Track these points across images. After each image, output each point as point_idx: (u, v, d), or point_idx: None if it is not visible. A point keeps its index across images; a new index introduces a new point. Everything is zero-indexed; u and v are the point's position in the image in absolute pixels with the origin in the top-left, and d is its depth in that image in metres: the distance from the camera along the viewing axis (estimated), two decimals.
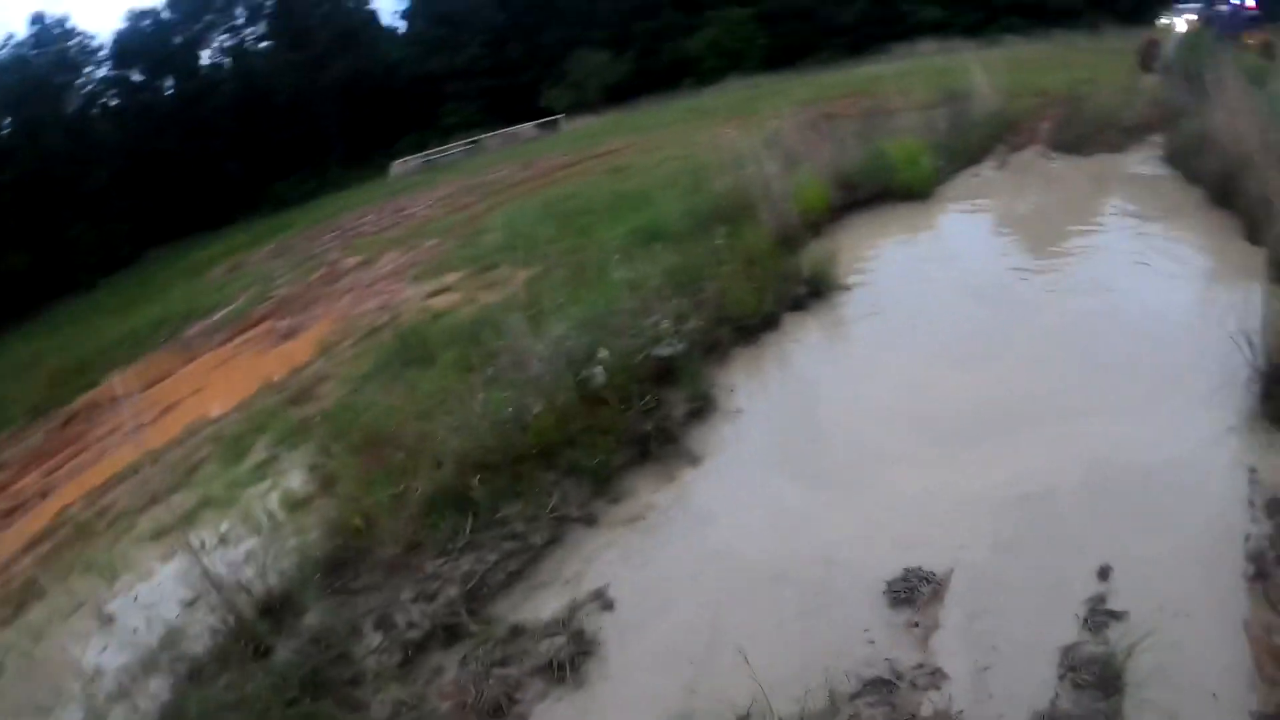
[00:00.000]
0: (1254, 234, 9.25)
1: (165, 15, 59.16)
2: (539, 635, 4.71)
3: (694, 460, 6.35)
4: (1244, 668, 3.72)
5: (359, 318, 13.44)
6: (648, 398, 6.51)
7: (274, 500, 7.27)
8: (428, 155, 46.43)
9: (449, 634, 4.82)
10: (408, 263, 16.59)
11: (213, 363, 14.91)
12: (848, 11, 48.65)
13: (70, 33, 55.93)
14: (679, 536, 5.50)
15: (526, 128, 48.28)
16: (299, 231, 32.56)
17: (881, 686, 3.94)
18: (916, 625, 4.25)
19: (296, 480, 7.65)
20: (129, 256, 46.78)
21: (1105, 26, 42.43)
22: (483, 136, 47.49)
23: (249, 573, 5.61)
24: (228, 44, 61.31)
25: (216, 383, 13.06)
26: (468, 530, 5.43)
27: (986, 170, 15.33)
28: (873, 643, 4.21)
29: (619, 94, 50.44)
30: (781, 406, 7.03)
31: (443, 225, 20.37)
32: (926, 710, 3.81)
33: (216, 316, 19.61)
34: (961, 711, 3.76)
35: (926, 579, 4.49)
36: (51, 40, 54.50)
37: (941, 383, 6.78)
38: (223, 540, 6.92)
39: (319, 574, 5.36)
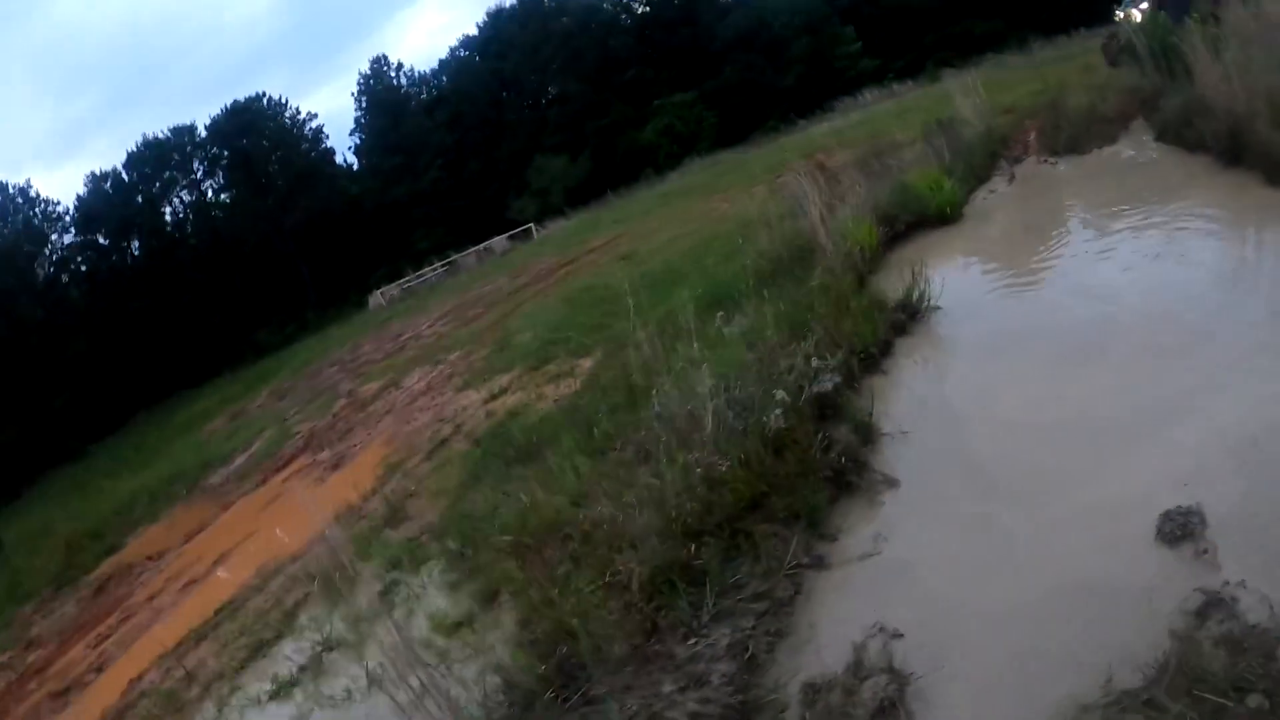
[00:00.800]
0: (1272, 179, 9.74)
1: (125, 176, 59.38)
2: (848, 686, 4.17)
3: (891, 483, 5.98)
4: None
5: (415, 434, 12.94)
6: (820, 435, 6.14)
7: (421, 628, 6.49)
8: (405, 283, 46.41)
9: (740, 713, 4.23)
10: (441, 377, 16.12)
11: (257, 505, 14.22)
12: (788, 76, 49.65)
13: (33, 200, 55.87)
14: (915, 556, 5.13)
15: (499, 241, 48.46)
16: (291, 373, 32.17)
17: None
18: None
19: (440, 601, 6.93)
20: (117, 420, 46.11)
21: (1033, 44, 43.56)
22: (457, 256, 47.63)
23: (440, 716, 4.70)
24: (189, 198, 61.60)
25: (272, 523, 12.31)
26: (711, 603, 4.84)
27: (999, 185, 15.34)
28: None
29: (582, 194, 51.04)
30: (937, 423, 6.73)
31: (460, 338, 19.96)
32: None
33: (238, 462, 18.99)
34: None
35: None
36: (14, 209, 54.33)
37: (1068, 384, 6.52)
38: (374, 682, 5.93)
39: (543, 693, 4.64)
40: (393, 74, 66.01)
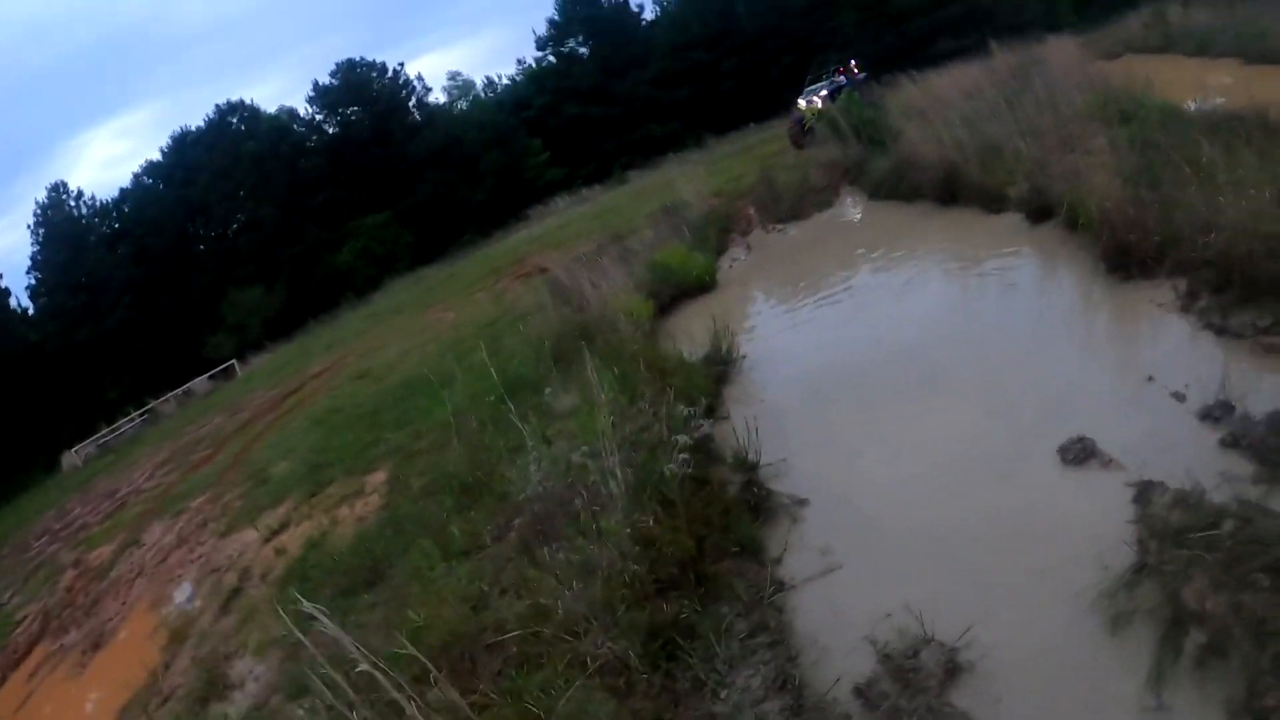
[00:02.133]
0: (991, 207, 12.38)
1: None
2: (898, 669, 4.27)
3: (801, 502, 6.17)
4: None
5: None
6: (716, 475, 6.33)
7: None
8: (100, 438, 41.08)
9: None
10: (191, 525, 14.12)
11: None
12: (480, 190, 49.76)
13: None
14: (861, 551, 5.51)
15: (200, 382, 44.27)
16: None
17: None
18: None
19: None
20: None
21: (707, 141, 46.51)
22: (155, 403, 42.96)
23: None
24: None
25: None
26: (721, 651, 4.53)
27: (739, 254, 15.91)
28: None
29: (282, 325, 48.01)
30: (805, 447, 7.11)
31: (196, 482, 17.69)
32: None
33: None
34: None
35: None
36: None
37: (880, 397, 7.68)
38: None
39: None
40: (72, 203, 57.45)
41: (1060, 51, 24.57)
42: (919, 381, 7.62)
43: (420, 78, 54.72)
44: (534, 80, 59.68)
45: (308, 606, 4.13)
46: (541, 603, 4.99)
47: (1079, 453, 5.59)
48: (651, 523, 5.25)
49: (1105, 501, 5.01)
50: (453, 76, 62.30)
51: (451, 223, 49.55)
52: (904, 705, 4.02)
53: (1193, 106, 13.47)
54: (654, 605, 4.75)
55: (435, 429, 11.11)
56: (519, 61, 63.59)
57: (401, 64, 55.66)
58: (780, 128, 33.65)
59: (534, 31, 61.46)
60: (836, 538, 5.56)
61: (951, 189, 13.71)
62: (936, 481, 5.88)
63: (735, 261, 15.34)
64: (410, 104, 53.86)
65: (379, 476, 10.69)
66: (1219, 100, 14.32)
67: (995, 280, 10.11)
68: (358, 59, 53.28)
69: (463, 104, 59.38)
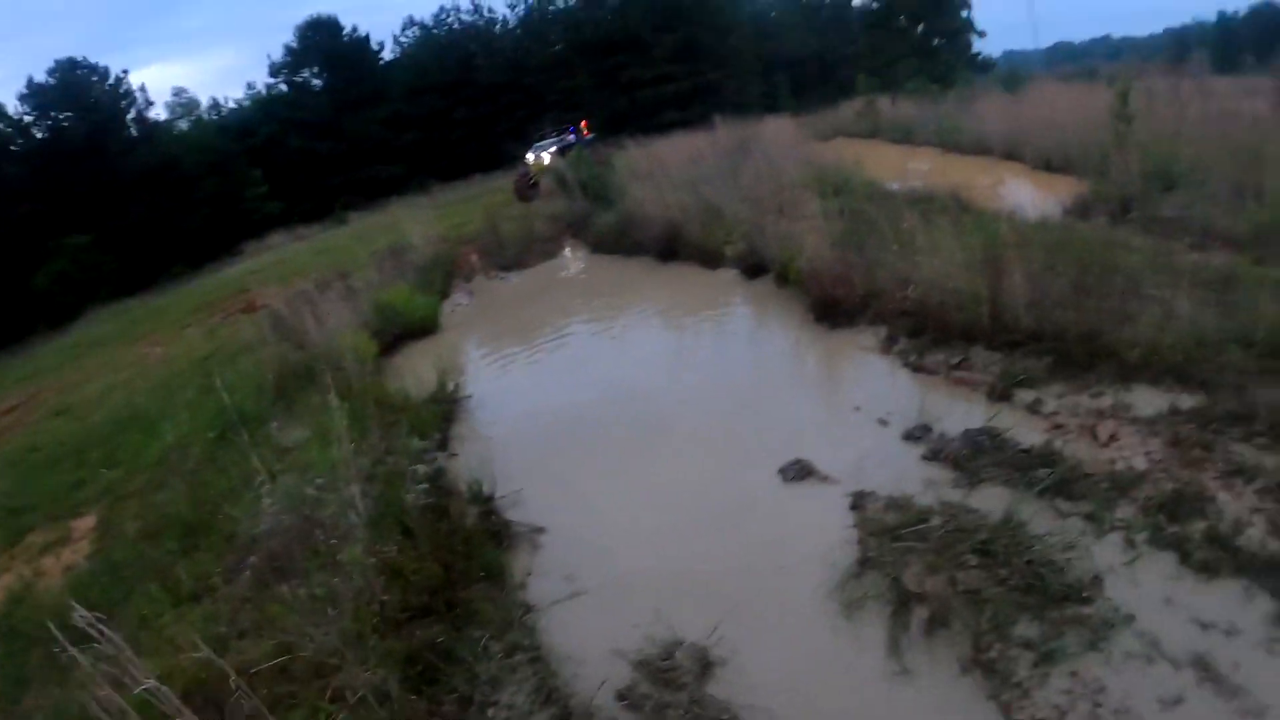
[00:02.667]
0: (710, 264, 13.96)
1: None
2: (656, 671, 4.76)
3: (539, 530, 6.51)
4: None
5: None
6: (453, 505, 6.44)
7: None
8: None
9: None
10: None
11: None
12: (194, 218, 46.52)
13: None
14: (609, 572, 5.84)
15: None
16: None
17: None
18: None
19: None
20: None
21: (432, 188, 46.25)
22: None
23: None
24: None
25: None
26: (482, 671, 4.73)
27: (463, 299, 16.15)
28: None
29: None
30: (533, 480, 7.36)
31: None
32: None
33: None
34: None
35: None
36: None
37: (597, 433, 8.53)
38: None
39: None
40: None
41: (778, 130, 26.80)
42: (645, 418, 8.45)
43: (144, 89, 49.48)
44: (262, 107, 56.78)
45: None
46: (286, 640, 4.88)
47: (797, 472, 6.57)
48: (395, 552, 5.37)
49: (826, 511, 5.93)
50: (177, 93, 57.96)
51: (161, 251, 45.53)
52: (668, 700, 4.46)
53: (895, 185, 15.23)
54: (407, 632, 4.86)
55: (149, 468, 10.40)
56: (249, 85, 60.17)
57: (125, 71, 50.89)
58: (506, 181, 34.29)
59: (269, 56, 59.20)
60: (578, 562, 5.87)
61: (672, 246, 14.90)
62: (668, 506, 6.54)
63: (459, 306, 15.62)
64: (129, 116, 49.29)
65: (88, 521, 9.87)
66: (919, 180, 16.46)
67: (715, 327, 11.58)
68: (80, 59, 48.13)
69: (184, 123, 55.00)
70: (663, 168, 20.24)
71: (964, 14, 47.35)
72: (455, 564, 5.49)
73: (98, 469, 11.74)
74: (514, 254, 18.20)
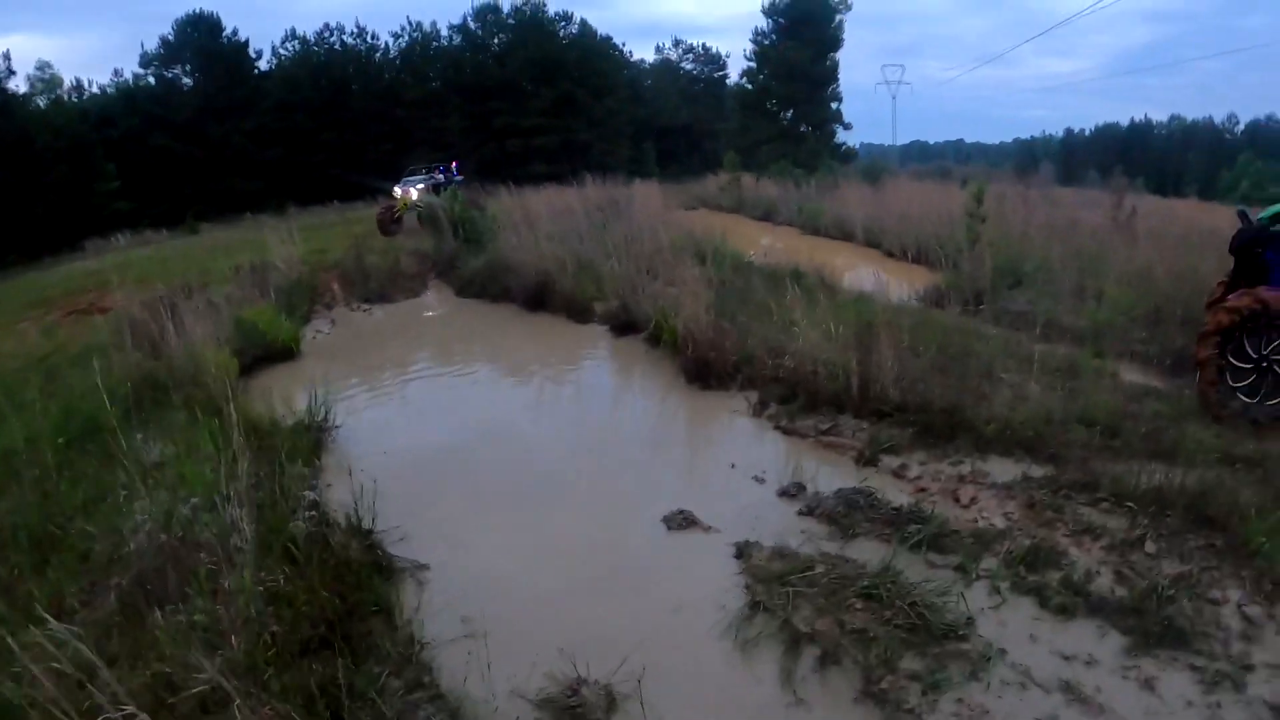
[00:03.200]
0: (578, 318, 14.50)
1: None
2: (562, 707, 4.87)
3: (422, 566, 6.48)
4: None
5: None
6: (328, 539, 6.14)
7: None
8: None
9: None
10: None
11: None
12: (36, 204, 43.46)
13: None
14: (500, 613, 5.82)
15: None
16: None
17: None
18: None
19: None
20: None
21: (290, 210, 45.06)
22: None
23: None
24: None
25: None
26: (387, 713, 4.63)
27: (323, 326, 15.90)
28: None
29: None
30: (409, 515, 7.31)
31: None
32: None
33: None
34: None
35: None
36: None
37: (465, 461, 8.90)
38: None
39: None
40: None
41: (646, 194, 27.63)
42: (523, 463, 8.69)
43: (8, 56, 45.78)
44: (126, 98, 53.75)
45: None
46: (165, 671, 4.57)
47: (680, 521, 6.94)
48: (281, 581, 5.22)
49: (711, 558, 6.35)
50: (41, 67, 53.11)
51: None
52: None
53: (760, 258, 15.97)
54: (303, 666, 4.70)
55: None
56: (115, 73, 56.96)
57: None
58: (367, 211, 33.81)
59: (142, 46, 55.82)
60: (469, 602, 5.79)
61: (541, 296, 15.19)
62: (556, 550, 6.71)
63: (319, 333, 15.24)
64: None
65: None
66: (782, 256, 17.34)
67: (589, 380, 12.17)
68: None
69: (42, 100, 51.00)
70: (533, 218, 20.68)
71: (834, 105, 49.90)
72: (349, 595, 5.42)
73: None
74: (377, 286, 18.00)
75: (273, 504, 6.37)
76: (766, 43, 51.88)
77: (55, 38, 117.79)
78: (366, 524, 6.60)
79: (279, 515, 6.10)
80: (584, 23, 62.23)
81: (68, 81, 54.75)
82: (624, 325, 13.25)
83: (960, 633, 5.13)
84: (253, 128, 53.10)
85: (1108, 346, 10.76)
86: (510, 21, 59.99)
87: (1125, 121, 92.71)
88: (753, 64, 53.64)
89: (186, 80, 55.20)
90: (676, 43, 74.07)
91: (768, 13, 51.38)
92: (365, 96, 57.12)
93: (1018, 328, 11.73)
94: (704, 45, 74.16)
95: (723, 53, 72.78)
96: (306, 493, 6.52)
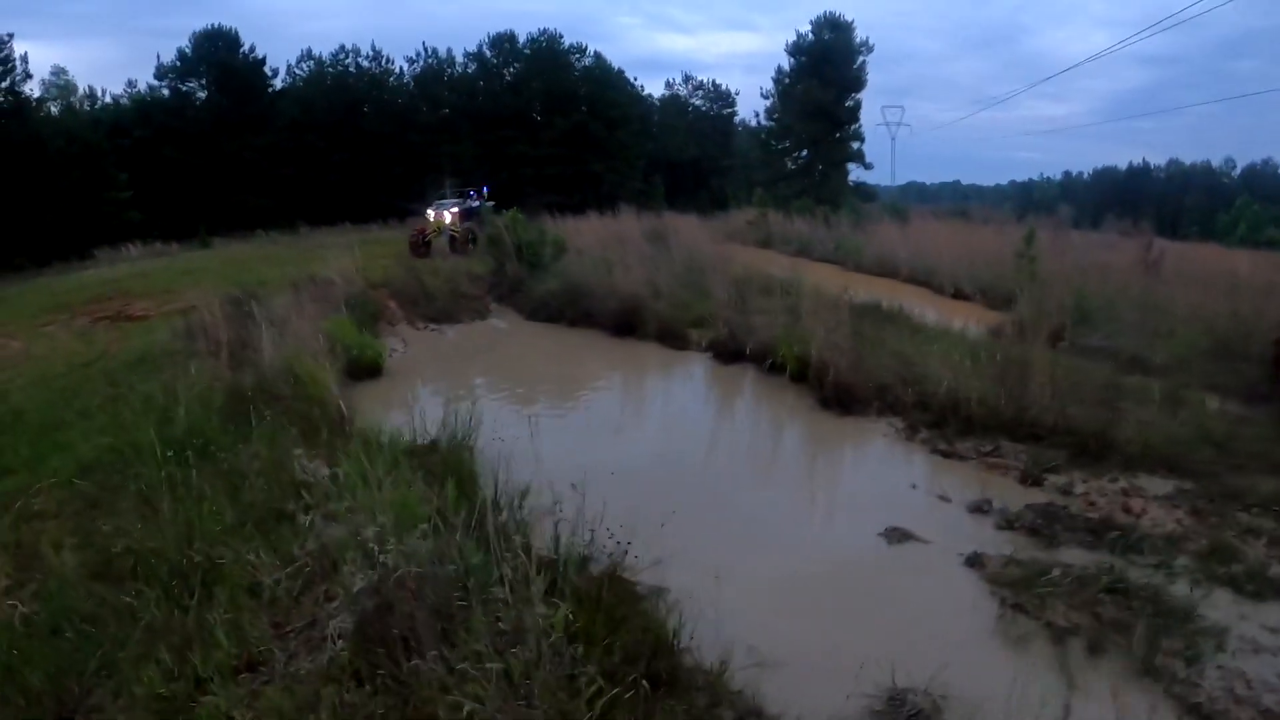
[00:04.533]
0: (674, 344, 13.88)
1: None
2: None
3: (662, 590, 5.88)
4: None
5: None
6: None
7: None
8: None
9: None
10: None
11: None
12: (48, 210, 41.98)
13: None
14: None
15: None
16: None
17: None
18: None
19: None
20: None
21: (301, 228, 43.99)
22: None
23: None
24: None
25: None
26: None
27: (395, 345, 14.75)
28: None
29: None
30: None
31: None
32: None
33: None
34: None
35: None
36: None
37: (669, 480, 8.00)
38: None
39: None
40: None
41: (686, 226, 26.81)
42: (705, 485, 8.44)
43: (25, 59, 44.33)
44: (140, 109, 52.41)
45: None
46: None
47: (898, 536, 7.11)
48: (570, 616, 4.41)
49: (943, 568, 6.57)
50: (57, 72, 52.23)
51: (6, 238, 40.70)
52: None
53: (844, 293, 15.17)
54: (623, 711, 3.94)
55: (63, 483, 8.01)
56: (129, 83, 54.87)
57: (11, 35, 44.32)
58: (382, 233, 33.93)
59: (158, 57, 54.53)
60: (735, 628, 5.36)
61: (630, 322, 14.37)
62: (792, 573, 6.53)
63: (394, 352, 14.17)
64: (3, 84, 43.64)
65: None
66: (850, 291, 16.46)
67: (717, 404, 11.81)
68: None
69: (55, 107, 49.28)
70: (583, 245, 19.94)
71: (855, 145, 49.38)
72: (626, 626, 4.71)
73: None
74: (441, 307, 17.02)
75: (500, 534, 5.24)
76: (788, 81, 51.26)
77: (66, 47, 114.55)
78: (614, 551, 5.72)
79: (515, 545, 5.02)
80: (598, 55, 61.71)
81: (81, 89, 53.53)
82: (732, 352, 12.64)
83: (1195, 615, 5.71)
84: (265, 145, 51.95)
85: (1189, 379, 11.07)
86: (525, 51, 59.44)
87: (1122, 165, 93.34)
88: (770, 101, 53.20)
89: (201, 94, 53.99)
90: (687, 78, 73.38)
91: (792, 52, 50.95)
92: (378, 119, 56.15)
93: (1099, 361, 11.89)
94: (713, 82, 73.47)
95: (732, 90, 72.37)
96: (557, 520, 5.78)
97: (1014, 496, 7.90)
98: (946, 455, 9.06)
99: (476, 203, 30.15)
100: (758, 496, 8.23)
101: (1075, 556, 6.59)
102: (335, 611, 4.80)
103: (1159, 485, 7.97)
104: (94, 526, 7.07)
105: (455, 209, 28.18)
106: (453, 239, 27.11)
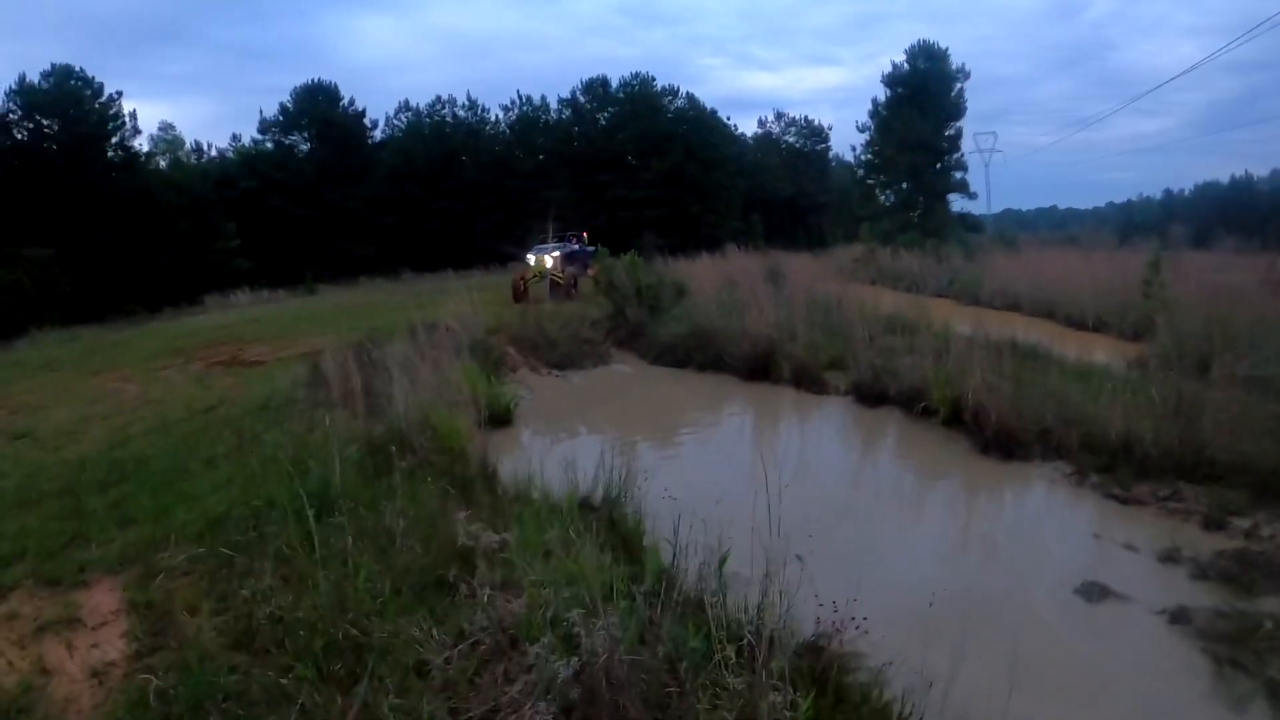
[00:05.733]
0: (812, 388, 12.98)
1: None
2: None
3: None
4: None
5: None
6: None
7: None
8: None
9: None
10: None
11: None
12: (160, 258, 43.05)
13: None
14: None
15: None
16: None
17: None
18: None
19: None
20: None
21: (404, 275, 44.27)
22: None
23: None
24: None
25: None
26: None
27: (522, 393, 13.97)
28: None
29: None
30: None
31: None
32: None
33: None
34: None
35: None
36: None
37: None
38: None
39: None
40: None
41: (800, 265, 25.92)
42: (879, 540, 7.79)
43: (134, 115, 46.65)
44: (246, 161, 53.95)
45: None
46: None
47: (1097, 593, 6.50)
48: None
49: (1146, 624, 6.10)
50: (164, 128, 53.18)
51: (121, 284, 41.56)
52: None
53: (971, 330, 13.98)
54: None
55: (192, 537, 7.32)
56: (234, 137, 56.87)
57: (119, 93, 46.86)
58: (485, 279, 33.78)
59: (260, 112, 56.52)
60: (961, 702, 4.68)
61: (764, 365, 13.64)
62: (989, 642, 5.66)
63: (522, 399, 13.45)
64: (114, 139, 45.62)
65: (104, 596, 6.73)
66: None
67: (872, 455, 10.86)
68: (77, 69, 44.08)
69: (163, 160, 50.97)
70: (711, 285, 19.15)
71: (958, 175, 48.00)
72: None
73: (105, 524, 8.67)
74: (563, 353, 16.34)
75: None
76: (885, 113, 50.10)
77: (171, 105, 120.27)
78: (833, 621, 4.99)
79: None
80: (691, 96, 61.57)
81: (188, 143, 55.16)
82: (876, 395, 11.86)
83: None
84: (367, 194, 52.93)
85: None
86: (619, 95, 59.59)
87: (1224, 179, 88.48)
88: (867, 134, 51.99)
89: (304, 146, 55.44)
90: (779, 115, 72.73)
91: (888, 83, 49.84)
92: (476, 167, 56.80)
93: (1252, 392, 10.44)
94: (805, 118, 72.67)
95: (825, 125, 71.39)
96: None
97: (1201, 543, 7.29)
98: (1123, 501, 8.44)
99: (575, 246, 29.74)
100: (939, 554, 7.56)
101: (1274, 605, 6.08)
102: (521, 697, 4.08)
103: None
104: (231, 588, 6.30)
105: (556, 253, 27.75)
106: (554, 284, 26.61)
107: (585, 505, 7.45)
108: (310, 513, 6.57)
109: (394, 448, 8.74)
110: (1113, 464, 8.94)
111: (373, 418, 10.28)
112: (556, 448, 10.58)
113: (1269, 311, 14.96)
